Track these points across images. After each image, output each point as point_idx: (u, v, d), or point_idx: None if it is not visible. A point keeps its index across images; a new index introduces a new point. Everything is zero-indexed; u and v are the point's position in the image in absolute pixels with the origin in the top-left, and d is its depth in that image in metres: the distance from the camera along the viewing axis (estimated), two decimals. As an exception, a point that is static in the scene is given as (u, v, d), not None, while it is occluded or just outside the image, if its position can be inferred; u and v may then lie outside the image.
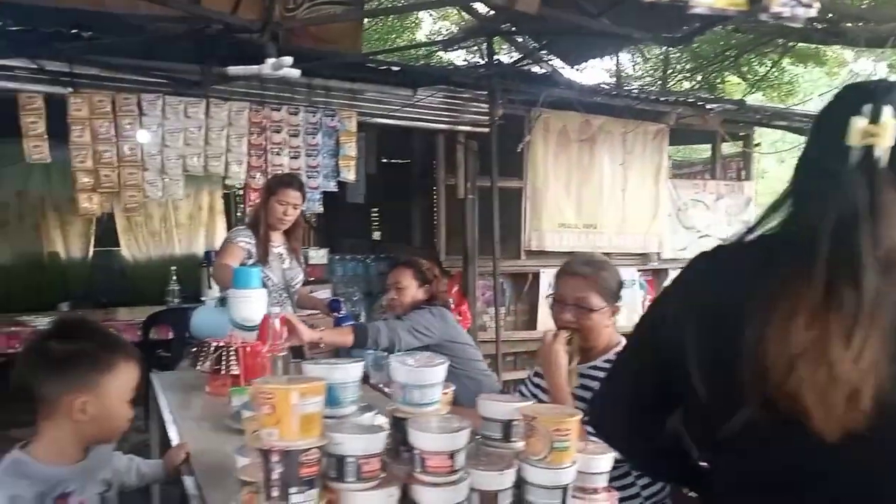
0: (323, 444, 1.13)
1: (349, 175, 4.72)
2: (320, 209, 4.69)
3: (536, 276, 5.77)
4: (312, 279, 5.40)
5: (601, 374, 2.09)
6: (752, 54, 8.11)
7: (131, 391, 1.60)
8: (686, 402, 1.17)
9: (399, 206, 6.67)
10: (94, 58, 3.90)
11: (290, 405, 1.10)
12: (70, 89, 3.89)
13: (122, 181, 4.05)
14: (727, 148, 6.88)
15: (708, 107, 5.88)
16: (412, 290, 3.30)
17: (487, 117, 4.93)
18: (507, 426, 1.39)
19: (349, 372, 1.33)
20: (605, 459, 1.41)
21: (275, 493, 1.09)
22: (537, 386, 2.30)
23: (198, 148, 4.22)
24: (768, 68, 8.28)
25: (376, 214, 7.85)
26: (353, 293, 5.86)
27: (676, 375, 1.08)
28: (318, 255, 5.72)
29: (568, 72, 5.83)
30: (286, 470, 1.09)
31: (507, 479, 1.29)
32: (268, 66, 2.95)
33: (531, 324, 5.90)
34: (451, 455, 1.22)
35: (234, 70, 3.06)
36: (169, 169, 4.18)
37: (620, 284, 2.17)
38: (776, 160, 8.43)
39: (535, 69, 5.55)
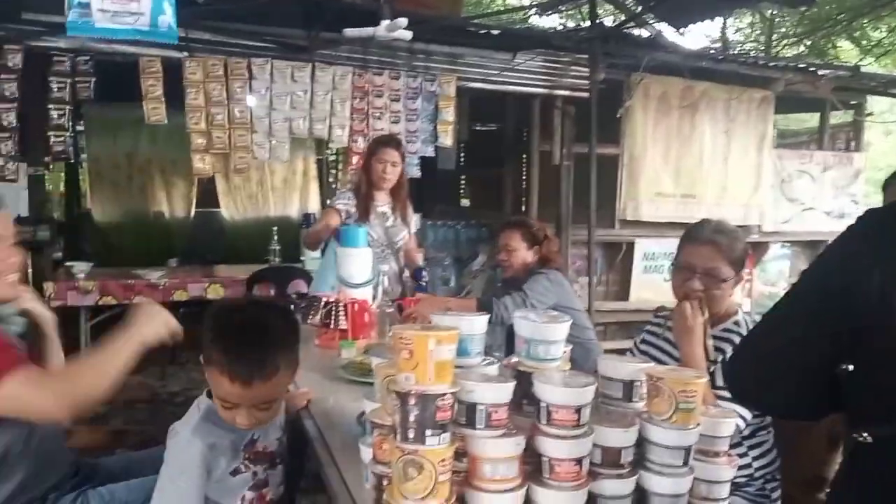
0: (456, 391, 1.17)
1: (446, 140, 4.76)
2: (418, 174, 4.75)
3: (630, 245, 5.69)
4: (405, 243, 5.50)
5: (718, 344, 2.05)
6: (867, 18, 7.60)
7: None
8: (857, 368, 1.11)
9: (489, 174, 6.67)
10: (208, 23, 4.05)
11: (427, 351, 1.15)
12: (185, 54, 4.06)
13: (233, 143, 4.22)
14: (836, 118, 6.53)
15: (819, 73, 5.57)
16: (522, 251, 3.27)
17: (587, 81, 4.85)
18: (628, 386, 1.40)
19: (475, 324, 1.36)
20: (728, 424, 1.41)
21: (411, 434, 1.14)
22: (644, 353, 2.29)
23: (303, 111, 4.34)
24: (884, 34, 7.74)
25: (465, 182, 7.89)
26: (443, 258, 5.95)
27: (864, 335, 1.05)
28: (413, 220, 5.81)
29: (670, 36, 5.62)
30: (422, 413, 1.14)
31: (630, 436, 1.31)
32: (382, 28, 2.99)
33: (623, 294, 5.83)
34: (578, 409, 1.24)
35: (349, 32, 3.12)
36: (276, 132, 4.32)
37: (747, 252, 2.11)
38: (883, 131, 7.92)
39: (638, 32, 5.38)
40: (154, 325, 1.71)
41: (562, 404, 1.23)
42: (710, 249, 2.05)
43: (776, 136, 6.19)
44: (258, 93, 4.21)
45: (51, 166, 9.09)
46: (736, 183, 5.94)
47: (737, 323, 2.08)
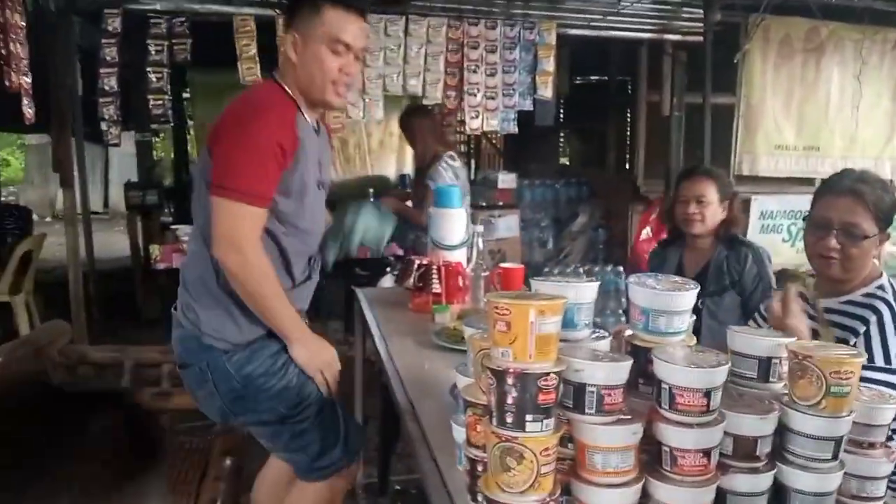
0: (561, 370, 1.00)
1: (546, 92, 4.50)
2: (515, 129, 4.53)
3: (747, 203, 5.26)
4: (501, 203, 5.32)
5: (859, 311, 1.79)
6: None
7: None
8: None
9: (591, 129, 6.35)
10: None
11: (528, 323, 0.98)
12: (278, 11, 3.99)
13: (327, 102, 4.13)
14: None
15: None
16: (715, 205, 2.83)
17: (701, 23, 4.45)
18: (765, 364, 1.20)
19: (584, 292, 1.18)
20: (887, 410, 1.18)
21: (509, 419, 0.99)
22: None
23: (397, 67, 4.20)
24: None
25: (564, 138, 7.58)
26: (540, 219, 5.72)
27: None
28: (507, 180, 5.58)
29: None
30: (522, 395, 0.98)
31: (768, 424, 1.11)
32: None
33: (737, 256, 5.43)
34: (707, 393, 1.05)
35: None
36: (369, 90, 4.20)
37: (895, 207, 1.82)
38: None
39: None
40: (316, 357, 1.89)
41: (687, 387, 1.04)
42: (849, 201, 1.77)
43: (915, 80, 5.55)
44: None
45: (160, 133, 9.51)
46: (867, 134, 5.39)
47: (881, 287, 1.80)
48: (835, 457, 1.12)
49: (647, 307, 1.16)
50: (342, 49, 1.79)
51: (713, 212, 2.80)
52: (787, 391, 1.18)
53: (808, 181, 5.40)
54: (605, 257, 5.44)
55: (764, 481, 1.11)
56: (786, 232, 5.43)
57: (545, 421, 0.99)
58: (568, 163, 7.56)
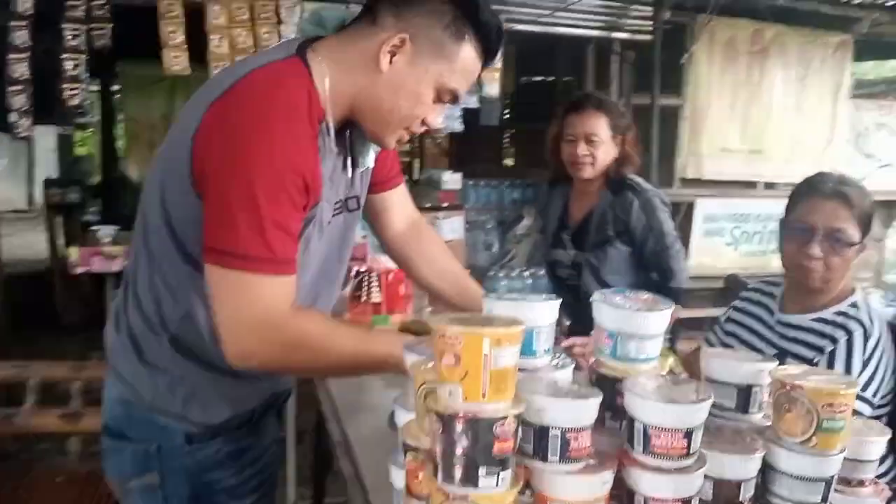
0: (521, 412, 0.84)
1: (492, 90, 4.34)
2: (461, 128, 4.37)
3: (691, 206, 5.23)
4: (446, 205, 5.14)
5: (829, 329, 1.68)
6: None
7: None
8: None
9: (536, 130, 6.23)
10: (232, -38, 3.70)
11: (482, 356, 0.81)
12: (207, -5, 3.73)
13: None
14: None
15: (912, 11, 4.98)
16: (608, 144, 2.42)
17: (650, 22, 4.37)
18: (745, 393, 1.06)
19: (543, 312, 1.02)
20: (878, 444, 1.06)
21: (458, 473, 0.82)
22: (730, 334, 1.92)
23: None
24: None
25: (509, 139, 7.46)
26: (486, 221, 5.57)
27: None
28: (452, 180, 5.39)
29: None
30: (474, 444, 0.81)
31: (753, 465, 0.97)
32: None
33: (682, 258, 5.40)
34: (688, 433, 0.90)
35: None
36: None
37: (874, 212, 1.72)
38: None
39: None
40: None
41: (666, 426, 0.89)
42: (836, 204, 1.65)
43: (852, 86, 5.62)
44: (287, 38, 3.87)
45: (87, 127, 9.03)
46: (808, 137, 5.41)
47: (855, 305, 1.70)
48: (825, 499, 0.99)
49: (615, 330, 1.00)
50: (448, 98, 1.26)
51: (605, 151, 2.42)
52: (769, 424, 1.05)
53: (751, 185, 5.40)
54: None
55: (748, 531, 0.97)
56: (729, 235, 5.41)
57: (501, 474, 0.82)
58: (512, 163, 7.44)
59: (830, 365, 1.64)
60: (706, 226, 5.34)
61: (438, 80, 1.22)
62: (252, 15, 3.83)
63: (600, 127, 2.41)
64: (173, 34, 3.66)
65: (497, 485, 0.82)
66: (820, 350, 1.67)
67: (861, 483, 1.05)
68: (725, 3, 4.48)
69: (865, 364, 1.63)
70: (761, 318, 1.87)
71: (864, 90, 6.29)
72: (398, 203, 1.61)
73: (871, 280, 6.26)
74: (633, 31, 4.55)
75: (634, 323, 0.99)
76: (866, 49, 5.69)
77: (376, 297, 2.44)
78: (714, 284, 5.03)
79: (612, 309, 1.01)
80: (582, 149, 2.40)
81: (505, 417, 0.81)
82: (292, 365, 1.22)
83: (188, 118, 1.18)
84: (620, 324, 0.99)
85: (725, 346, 1.89)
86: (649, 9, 4.43)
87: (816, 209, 1.67)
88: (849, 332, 1.65)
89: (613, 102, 2.61)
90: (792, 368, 1.04)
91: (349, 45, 1.22)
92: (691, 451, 0.91)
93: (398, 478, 1.07)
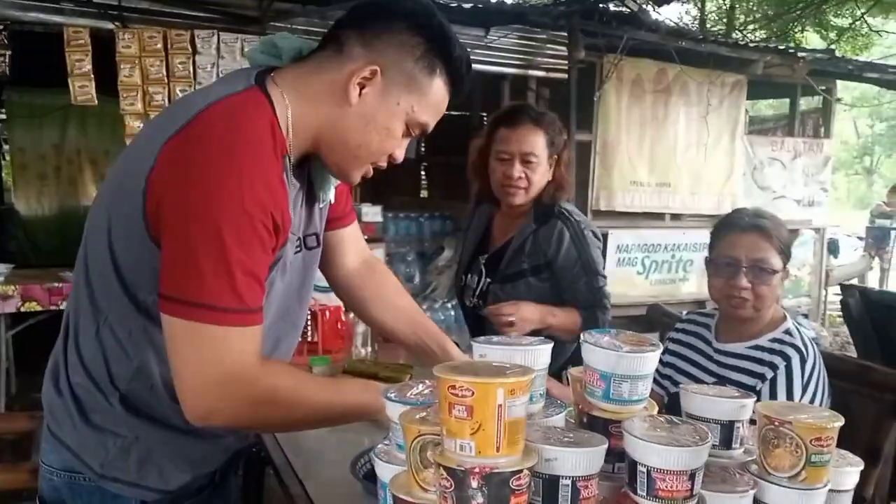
0: (533, 464, 0.80)
1: (413, 124, 4.36)
2: (384, 164, 4.33)
3: (605, 237, 5.39)
4: (366, 237, 5.07)
5: (767, 357, 1.74)
6: (830, 4, 7.51)
7: None
8: None
9: (453, 162, 6.29)
10: (144, -10, 3.57)
11: (495, 407, 0.77)
12: (118, 24, 3.56)
13: (175, 126, 3.72)
14: (804, 104, 6.39)
15: (799, 55, 5.38)
16: (544, 166, 2.10)
17: (565, 61, 4.51)
18: (728, 429, 1.06)
19: (539, 356, 0.99)
20: (852, 474, 1.08)
21: (474, 531, 0.77)
22: (669, 365, 1.96)
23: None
24: (852, 20, 7.65)
25: (426, 171, 7.48)
26: (406, 253, 5.55)
27: None
28: (372, 212, 5.37)
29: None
30: (491, 500, 0.76)
31: (745, 502, 0.97)
32: None
33: (596, 288, 5.54)
34: (692, 475, 0.89)
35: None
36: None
37: (792, 241, 1.82)
38: (849, 118, 7.86)
39: (616, 7, 5.04)
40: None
41: (671, 469, 0.88)
42: (755, 237, 1.75)
43: (747, 123, 6.01)
44: (203, 69, 3.74)
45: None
46: (710, 171, 5.73)
47: (789, 332, 1.77)
48: (812, 532, 1.00)
49: (608, 371, 0.98)
50: (416, 132, 1.20)
51: (541, 174, 2.10)
52: (751, 458, 1.05)
53: (660, 216, 5.63)
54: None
55: (743, 569, 0.97)
56: (640, 265, 5.61)
57: (517, 530, 0.78)
58: (426, 195, 7.46)
59: (772, 390, 1.70)
60: (619, 255, 5.51)
61: (409, 114, 1.16)
62: (165, 44, 3.68)
63: (538, 145, 2.06)
64: (80, 62, 3.47)
65: (514, 542, 0.78)
66: (761, 377, 1.73)
67: (838, 513, 1.07)
68: (633, 44, 4.69)
69: (805, 388, 1.70)
70: (698, 348, 1.92)
71: (757, 127, 6.73)
72: (351, 241, 1.53)
73: (768, 305, 6.63)
74: (548, 69, 4.68)
75: (628, 365, 0.98)
76: (756, 90, 6.10)
77: (311, 336, 2.35)
78: (629, 312, 5.18)
79: (604, 351, 0.99)
80: (517, 170, 2.06)
81: (521, 471, 0.78)
82: (260, 421, 1.11)
83: (139, 155, 1.07)
84: (613, 366, 0.98)
85: (664, 377, 1.93)
86: (564, 48, 4.57)
87: (738, 243, 1.76)
88: (787, 359, 1.72)
89: (551, 116, 2.17)
90: (776, 404, 1.05)
91: (313, 76, 1.14)
92: (694, 493, 0.90)
93: (383, 535, 1.01)
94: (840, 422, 0.98)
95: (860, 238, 9.84)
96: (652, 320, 4.35)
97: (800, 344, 1.73)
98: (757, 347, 1.78)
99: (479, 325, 2.26)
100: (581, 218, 2.17)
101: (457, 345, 1.59)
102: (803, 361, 1.71)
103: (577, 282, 2.10)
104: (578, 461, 0.84)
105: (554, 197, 2.14)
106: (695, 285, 5.63)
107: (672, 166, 5.52)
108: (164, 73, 3.69)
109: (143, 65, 3.63)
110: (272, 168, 1.07)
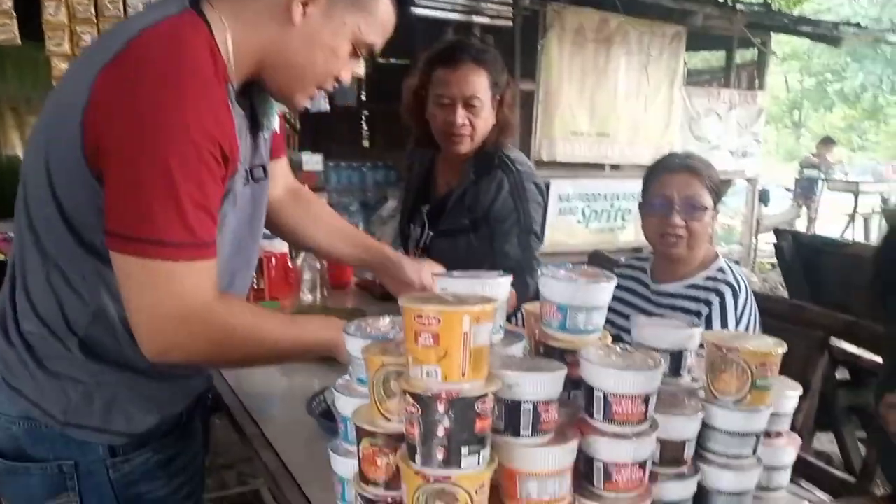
0: (498, 389, 0.82)
1: (358, 69, 4.27)
2: (327, 107, 4.26)
3: (547, 187, 5.44)
4: (307, 187, 5.01)
5: (702, 294, 1.82)
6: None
7: None
8: None
9: (396, 110, 6.22)
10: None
11: (461, 334, 0.78)
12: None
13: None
14: (739, 57, 6.52)
15: (737, 7, 5.48)
16: (488, 109, 1.94)
17: (510, 7, 4.47)
18: (677, 357, 1.11)
19: (499, 288, 1.00)
20: (792, 398, 1.15)
21: (440, 454, 0.79)
22: (609, 309, 2.01)
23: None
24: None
25: (367, 120, 7.38)
26: (348, 203, 5.49)
27: None
28: (313, 161, 5.28)
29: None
30: (457, 424, 0.78)
31: (695, 424, 1.02)
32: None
33: (537, 237, 5.62)
34: (647, 399, 0.93)
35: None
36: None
37: (721, 183, 1.89)
38: (781, 73, 8.08)
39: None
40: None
41: (626, 393, 0.91)
42: (686, 176, 1.83)
43: (685, 74, 6.11)
44: (134, 8, 3.56)
45: None
46: (648, 121, 5.82)
47: (721, 270, 1.85)
48: (754, 451, 1.06)
49: (564, 303, 1.01)
50: (364, 52, 1.17)
51: (485, 119, 1.94)
52: (699, 386, 1.10)
53: (599, 166, 5.72)
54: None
55: (691, 486, 1.02)
56: (580, 214, 5.71)
57: (482, 452, 0.80)
58: (368, 145, 7.37)
59: (708, 326, 1.79)
60: (560, 205, 5.59)
61: (356, 33, 1.13)
62: (93, -20, 3.49)
63: (480, 87, 1.91)
64: (0, -2, 3.25)
65: (478, 463, 0.80)
66: (696, 314, 1.81)
67: (778, 434, 1.13)
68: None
69: (738, 321, 1.79)
70: (637, 291, 1.99)
71: (694, 79, 6.85)
72: (281, 173, 1.50)
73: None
74: (492, 17, 4.64)
75: (584, 296, 1.00)
76: (694, 41, 6.19)
77: (258, 283, 2.33)
78: (569, 260, 5.29)
79: (560, 283, 1.01)
80: (460, 116, 1.91)
81: (485, 395, 0.80)
82: (220, 357, 1.10)
83: (72, 89, 1.02)
84: (570, 297, 1.00)
85: (605, 321, 1.99)
86: (508, -6, 4.54)
87: (670, 183, 1.83)
88: (720, 295, 1.80)
89: (493, 53, 1.99)
90: (723, 333, 1.10)
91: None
92: (647, 416, 0.94)
93: (344, 466, 1.02)
94: (783, 348, 1.03)
95: (788, 189, 10.22)
96: (594, 267, 4.43)
97: (732, 280, 1.81)
98: (692, 286, 1.85)
99: None
100: (525, 168, 2.02)
101: None
102: (736, 296, 1.79)
103: (510, 237, 1.96)
104: (539, 386, 0.86)
105: (498, 141, 2.01)
106: (633, 233, 5.77)
107: (612, 116, 5.59)
108: (93, 11, 3.51)
109: (70, 3, 3.43)
110: (217, 95, 1.03)
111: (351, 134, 6.96)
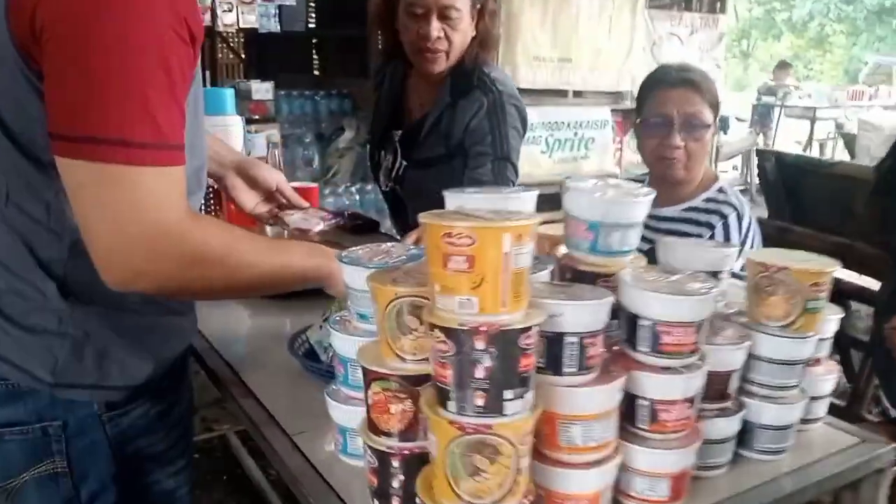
0: (541, 321, 0.68)
1: (306, -12, 3.97)
2: (278, 28, 3.96)
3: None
4: (257, 117, 4.72)
5: (703, 217, 1.70)
6: None
7: None
8: None
9: (349, 35, 5.89)
10: None
11: (501, 255, 0.64)
12: None
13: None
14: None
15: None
16: (466, 21, 1.73)
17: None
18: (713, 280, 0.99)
19: (524, 203, 0.85)
20: (833, 322, 1.04)
21: (479, 400, 0.65)
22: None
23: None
24: None
25: (317, 45, 7.00)
26: (303, 134, 5.21)
27: None
28: (263, 90, 4.93)
29: None
30: (500, 362, 0.65)
31: (742, 354, 0.91)
32: None
33: (499, 168, 5.47)
34: (699, 328, 0.81)
35: None
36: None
37: (717, 95, 1.75)
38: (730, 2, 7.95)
39: None
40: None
41: (679, 321, 0.79)
42: (685, 90, 1.66)
43: (647, -4, 5.91)
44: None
45: None
46: (610, 46, 5.63)
47: (722, 191, 1.74)
48: (799, 380, 0.96)
49: (596, 220, 0.87)
50: None
51: (464, 32, 1.73)
52: (735, 310, 0.99)
53: (561, 93, 5.54)
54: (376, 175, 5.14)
55: (735, 423, 0.92)
56: (544, 143, 5.55)
57: (526, 396, 0.67)
58: (318, 73, 7.02)
59: None
60: (525, 135, 5.42)
61: None
62: None
63: None
64: None
65: (522, 409, 0.67)
66: (699, 237, 1.70)
67: (817, 361, 1.04)
68: None
69: (743, 243, 1.68)
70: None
71: (656, 2, 6.66)
72: None
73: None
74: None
75: (620, 211, 0.87)
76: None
77: (218, 215, 2.14)
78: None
79: (591, 199, 0.87)
80: (434, 28, 1.68)
81: (529, 328, 0.66)
82: (194, 285, 0.89)
83: None
84: (603, 213, 0.86)
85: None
86: None
87: (668, 99, 1.67)
88: (723, 216, 1.69)
89: None
90: (767, 252, 0.98)
91: None
92: (698, 346, 0.82)
93: (345, 414, 0.89)
94: (837, 266, 0.92)
95: (739, 119, 10.23)
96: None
97: (734, 201, 1.70)
98: (692, 209, 1.73)
99: (400, 207, 2.05)
100: (507, 88, 1.82)
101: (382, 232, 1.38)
102: (740, 218, 1.68)
103: (483, 163, 1.74)
104: (585, 315, 0.73)
105: (477, 58, 1.79)
106: (596, 163, 5.64)
107: (573, 41, 5.38)
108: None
109: None
110: None
111: (301, 62, 6.60)
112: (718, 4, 6.40)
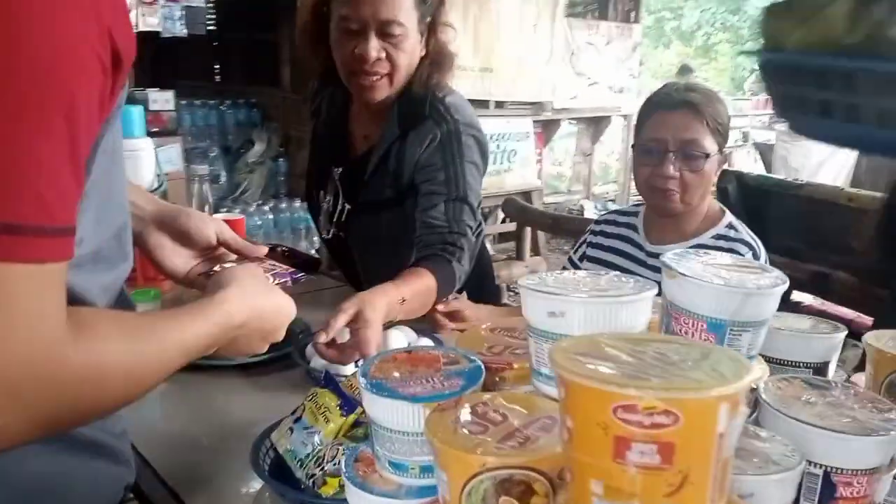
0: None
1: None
2: (184, 32, 3.57)
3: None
4: (157, 130, 4.29)
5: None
6: None
7: None
8: None
9: (256, 38, 5.50)
10: None
11: (715, 440, 0.40)
12: None
13: None
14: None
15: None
16: (414, 38, 1.46)
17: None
18: (820, 372, 0.79)
19: (641, 311, 0.61)
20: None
21: None
22: (594, 262, 1.69)
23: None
24: None
25: (220, 51, 6.54)
26: (208, 148, 4.80)
27: None
28: (162, 99, 4.49)
29: None
30: None
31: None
32: None
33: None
34: (879, 472, 0.59)
35: None
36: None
37: (730, 119, 1.57)
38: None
39: None
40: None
41: (861, 469, 0.57)
42: (685, 114, 1.48)
43: (566, 5, 5.84)
44: None
45: None
46: (530, 55, 5.52)
47: (732, 226, 1.57)
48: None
49: (722, 318, 0.64)
50: None
51: (411, 51, 1.46)
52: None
53: (484, 103, 5.38)
54: (288, 191, 4.79)
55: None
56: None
57: None
58: (219, 80, 6.56)
59: None
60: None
61: None
62: None
63: (402, 6, 1.41)
64: None
65: None
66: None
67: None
68: None
69: None
70: (627, 252, 1.66)
71: (571, 11, 6.62)
72: None
73: (581, 192, 6.80)
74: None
75: (756, 306, 0.64)
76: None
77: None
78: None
79: (717, 289, 0.64)
80: (373, 48, 1.41)
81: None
82: (82, 415, 0.60)
83: None
84: (735, 310, 0.64)
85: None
86: None
87: (664, 123, 1.50)
88: (739, 256, 1.51)
89: None
90: (883, 334, 0.78)
91: None
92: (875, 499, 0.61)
93: None
94: None
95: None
96: (511, 216, 4.13)
97: (748, 238, 1.54)
98: (700, 247, 1.54)
99: (345, 255, 1.73)
100: (464, 117, 1.53)
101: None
102: (756, 259, 1.52)
103: (434, 202, 1.45)
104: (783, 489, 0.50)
105: (429, 81, 1.51)
106: (519, 176, 5.51)
107: (495, 50, 5.23)
108: None
109: None
110: None
111: (201, 68, 6.13)
112: (633, 14, 6.45)
